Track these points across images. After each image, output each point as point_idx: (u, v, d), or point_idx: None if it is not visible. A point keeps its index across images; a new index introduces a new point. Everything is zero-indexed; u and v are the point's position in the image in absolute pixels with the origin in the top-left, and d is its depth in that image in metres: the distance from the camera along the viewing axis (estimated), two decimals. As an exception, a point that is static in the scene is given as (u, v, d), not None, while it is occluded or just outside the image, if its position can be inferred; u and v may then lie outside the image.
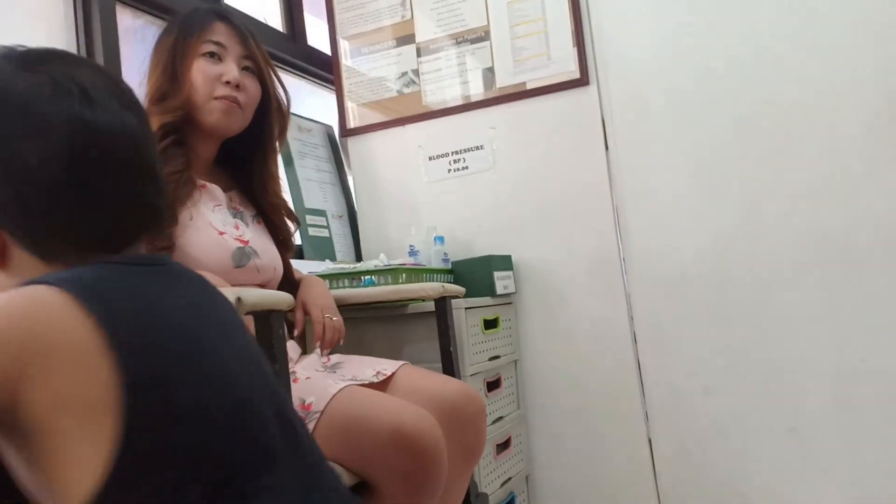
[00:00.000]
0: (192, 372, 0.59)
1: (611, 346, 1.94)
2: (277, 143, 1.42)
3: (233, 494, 0.58)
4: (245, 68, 1.33)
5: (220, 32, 1.31)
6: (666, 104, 1.91)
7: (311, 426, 1.06)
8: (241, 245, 1.27)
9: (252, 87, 1.33)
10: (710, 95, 1.87)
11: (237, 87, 1.29)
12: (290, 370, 1.16)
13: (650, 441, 1.91)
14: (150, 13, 1.83)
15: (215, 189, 1.32)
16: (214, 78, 1.28)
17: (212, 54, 1.29)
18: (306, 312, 1.33)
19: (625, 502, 1.92)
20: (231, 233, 1.27)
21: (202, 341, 0.63)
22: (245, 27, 1.35)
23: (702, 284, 1.86)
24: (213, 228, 1.24)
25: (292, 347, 1.33)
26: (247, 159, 1.39)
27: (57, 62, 0.66)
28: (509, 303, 2.02)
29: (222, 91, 1.28)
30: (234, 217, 1.33)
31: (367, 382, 1.22)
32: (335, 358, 1.37)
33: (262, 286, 1.30)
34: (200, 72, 1.28)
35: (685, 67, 1.90)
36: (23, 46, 0.66)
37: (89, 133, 0.63)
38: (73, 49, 1.65)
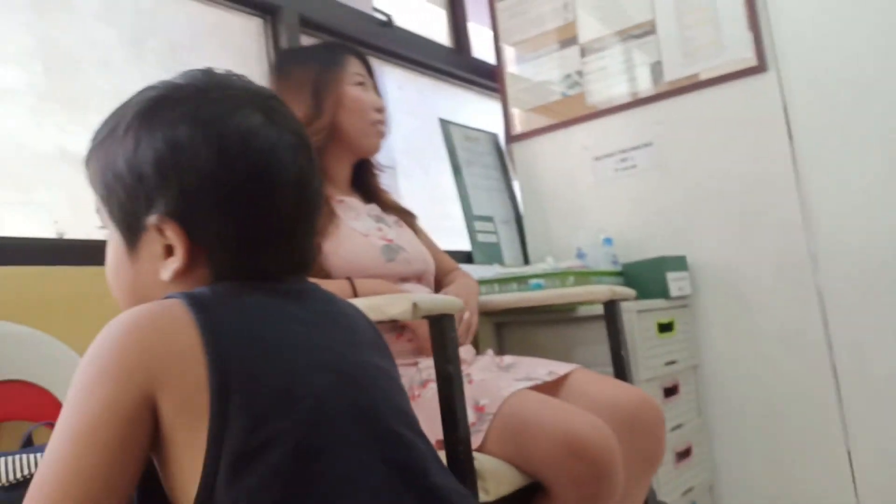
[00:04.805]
0: (281, 393, 0.59)
1: (802, 350, 1.81)
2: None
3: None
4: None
5: (357, 65, 1.45)
6: (853, 86, 1.75)
7: (484, 427, 1.08)
8: (387, 243, 1.38)
9: None
10: (910, 72, 1.69)
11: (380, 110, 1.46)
12: (465, 372, 1.20)
13: (849, 452, 1.75)
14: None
15: (353, 201, 1.44)
16: (370, 105, 1.43)
17: (360, 84, 1.44)
18: None
19: (822, 519, 1.78)
20: (375, 234, 1.39)
21: (299, 363, 0.62)
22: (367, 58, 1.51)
23: (907, 282, 1.69)
24: (357, 233, 1.36)
25: (467, 349, 1.37)
26: (362, 175, 1.52)
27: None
28: (685, 306, 1.94)
29: (377, 116, 1.44)
30: (377, 222, 1.45)
31: (540, 382, 1.23)
32: (507, 359, 1.39)
33: (418, 278, 1.41)
34: (356, 100, 1.41)
35: (872, 46, 1.73)
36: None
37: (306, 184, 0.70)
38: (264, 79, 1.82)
